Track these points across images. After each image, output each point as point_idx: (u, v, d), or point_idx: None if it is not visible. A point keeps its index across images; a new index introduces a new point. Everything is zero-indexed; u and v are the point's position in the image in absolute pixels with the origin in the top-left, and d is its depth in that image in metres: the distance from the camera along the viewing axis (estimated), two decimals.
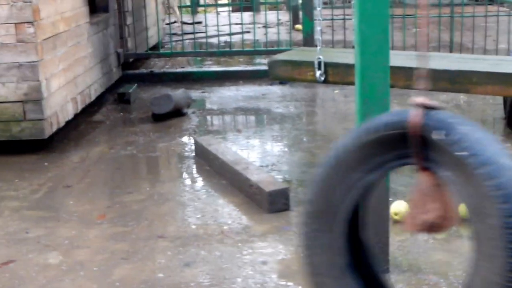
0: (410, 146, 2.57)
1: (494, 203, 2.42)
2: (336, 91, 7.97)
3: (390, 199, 3.82)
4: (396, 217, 4.30)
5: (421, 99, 2.54)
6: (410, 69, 4.91)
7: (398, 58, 5.11)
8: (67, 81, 6.36)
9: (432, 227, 2.62)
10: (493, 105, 7.09)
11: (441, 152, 2.53)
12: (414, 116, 2.51)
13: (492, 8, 12.11)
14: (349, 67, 4.68)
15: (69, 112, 6.39)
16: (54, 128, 5.97)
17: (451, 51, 8.92)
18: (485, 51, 8.92)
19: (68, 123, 6.34)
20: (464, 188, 2.51)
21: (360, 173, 2.68)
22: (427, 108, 2.54)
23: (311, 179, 2.80)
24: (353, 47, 3.70)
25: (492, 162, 2.45)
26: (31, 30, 5.67)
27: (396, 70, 4.73)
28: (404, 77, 4.88)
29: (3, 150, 5.81)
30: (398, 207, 4.32)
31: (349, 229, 2.79)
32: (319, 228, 2.80)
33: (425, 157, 2.57)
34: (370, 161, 2.67)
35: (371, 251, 2.96)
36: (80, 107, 6.72)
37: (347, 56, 5.14)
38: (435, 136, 2.50)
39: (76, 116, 6.62)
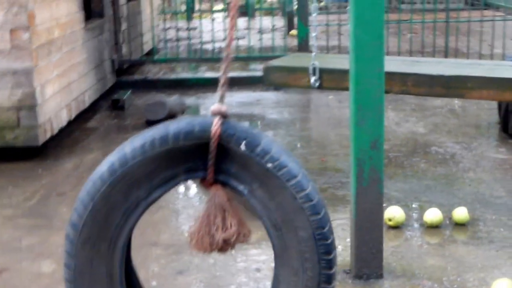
0: (201, 158, 2.42)
1: (306, 215, 2.38)
2: (330, 97, 7.96)
3: (384, 204, 3.80)
4: (390, 223, 4.29)
5: (217, 107, 2.42)
6: (405, 74, 4.90)
7: (393, 64, 5.10)
8: (61, 88, 6.34)
9: (227, 245, 2.47)
10: (488, 110, 7.07)
11: (241, 164, 2.41)
12: (215, 125, 2.38)
13: (488, 13, 12.10)
14: (344, 72, 4.66)
15: (63, 118, 6.37)
16: (48, 135, 5.94)
17: (446, 56, 8.92)
18: (480, 56, 8.91)
19: (62, 130, 6.31)
20: (265, 203, 2.43)
21: (145, 190, 2.47)
22: (224, 116, 2.42)
23: (77, 198, 2.50)
24: (348, 53, 3.69)
25: (298, 173, 2.40)
26: (26, 36, 5.65)
27: (391, 75, 4.72)
28: (399, 82, 4.88)
29: None
30: (392, 212, 4.31)
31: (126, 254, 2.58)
32: (92, 258, 2.51)
33: (218, 170, 2.44)
34: (157, 176, 2.46)
35: (138, 276, 2.84)
36: (74, 113, 6.69)
37: (342, 62, 5.13)
38: (242, 146, 2.38)
39: (70, 122, 6.60)
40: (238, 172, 2.44)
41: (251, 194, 2.44)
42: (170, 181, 2.48)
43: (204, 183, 2.49)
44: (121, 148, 2.47)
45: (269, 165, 2.38)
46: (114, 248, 2.50)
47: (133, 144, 2.45)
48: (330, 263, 2.48)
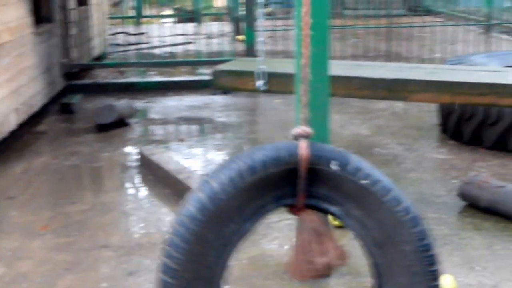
0: (289, 184, 2.31)
1: (407, 228, 2.31)
2: (277, 100, 7.97)
3: None
4: (335, 222, 4.29)
5: (302, 129, 2.31)
6: (349, 78, 4.92)
7: (337, 68, 5.11)
8: (10, 91, 6.25)
9: (327, 269, 2.36)
10: (429, 112, 7.14)
11: (334, 185, 2.32)
12: (302, 148, 2.28)
13: (428, 19, 12.26)
14: (290, 76, 4.66)
15: (12, 122, 6.28)
16: None
17: (388, 61, 8.99)
18: (421, 60, 9.01)
19: (11, 133, 6.22)
20: (362, 221, 2.35)
21: (237, 223, 2.34)
22: (306, 137, 2.31)
23: (168, 243, 2.37)
24: (294, 57, 3.68)
25: (392, 187, 2.33)
26: None
27: (336, 79, 4.72)
28: (343, 86, 4.90)
29: None
30: None
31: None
32: None
33: (308, 194, 2.34)
34: (247, 208, 2.33)
35: None
36: (23, 117, 6.61)
37: (288, 66, 5.11)
38: (334, 166, 2.29)
39: (20, 126, 6.51)
40: (329, 193, 2.34)
41: (346, 214, 2.35)
42: (260, 212, 2.38)
43: (293, 210, 2.38)
44: (207, 184, 2.32)
45: (364, 181, 2.29)
46: (211, 287, 2.38)
47: (220, 178, 2.29)
48: (435, 275, 2.41)
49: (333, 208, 2.35)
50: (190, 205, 2.31)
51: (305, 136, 2.29)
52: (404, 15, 12.55)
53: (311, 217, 2.34)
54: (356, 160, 2.33)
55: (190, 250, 2.30)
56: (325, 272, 2.36)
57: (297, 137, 2.30)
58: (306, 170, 2.27)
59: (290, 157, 2.28)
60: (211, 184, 2.29)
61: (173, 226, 2.34)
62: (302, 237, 2.34)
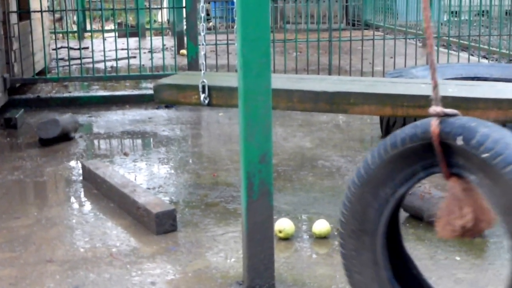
0: (434, 155, 2.60)
1: None
2: (220, 114, 7.99)
3: (274, 217, 3.83)
4: (280, 235, 4.32)
5: (433, 109, 2.58)
6: (291, 91, 4.97)
7: (279, 81, 5.16)
8: None
9: (467, 231, 2.61)
10: (371, 124, 7.23)
11: (465, 157, 2.54)
12: (433, 125, 2.55)
13: (368, 33, 12.39)
14: (233, 90, 4.71)
15: None
16: None
17: (330, 74, 9.08)
18: (362, 73, 9.11)
19: None
20: (492, 190, 2.49)
21: (391, 188, 2.72)
22: (445, 115, 2.57)
23: (342, 202, 2.85)
24: (236, 70, 3.72)
25: None
26: None
27: (278, 92, 4.78)
28: (285, 99, 4.94)
29: None
30: (282, 224, 4.34)
31: (387, 242, 2.84)
32: (357, 247, 2.85)
33: (450, 164, 2.60)
34: (398, 175, 2.71)
35: (412, 261, 3.01)
36: None
37: (231, 80, 5.16)
38: (458, 142, 2.51)
39: None
40: (465, 164, 2.55)
41: (480, 183, 2.51)
42: (411, 179, 2.71)
43: (444, 177, 2.64)
44: (364, 159, 2.80)
45: (485, 155, 2.44)
46: (375, 239, 2.81)
47: (372, 153, 2.76)
48: None
49: (471, 177, 2.55)
50: (354, 173, 2.83)
51: (437, 115, 2.56)
52: (344, 29, 12.68)
53: (454, 183, 2.60)
54: (483, 133, 2.48)
55: (352, 207, 2.81)
56: (467, 233, 2.61)
57: (431, 115, 2.59)
58: (438, 144, 2.56)
59: (424, 134, 2.59)
60: (367, 157, 2.77)
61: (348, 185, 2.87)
62: (447, 202, 2.63)
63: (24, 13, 9.24)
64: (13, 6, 8.83)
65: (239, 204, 4.74)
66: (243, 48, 3.49)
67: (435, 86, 2.64)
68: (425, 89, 4.89)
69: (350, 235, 2.86)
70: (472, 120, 2.55)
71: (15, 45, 8.75)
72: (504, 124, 5.40)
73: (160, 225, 4.46)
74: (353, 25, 15.17)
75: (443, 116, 2.57)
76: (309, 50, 9.40)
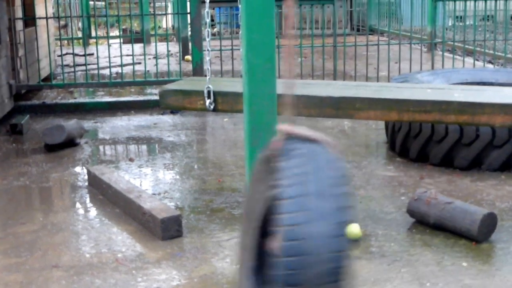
0: None
1: None
2: (225, 119, 7.99)
3: None
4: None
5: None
6: (297, 96, 4.96)
7: None
8: None
9: None
10: (376, 130, 7.22)
11: None
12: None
13: (373, 38, 12.39)
14: (238, 95, 4.70)
15: None
16: None
17: (335, 79, 9.07)
18: (367, 79, 9.10)
19: None
20: None
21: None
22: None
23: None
24: (241, 76, 3.71)
25: None
26: None
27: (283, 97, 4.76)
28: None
29: None
30: None
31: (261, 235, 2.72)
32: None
33: None
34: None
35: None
36: None
37: (235, 85, 5.16)
38: None
39: None
40: None
41: None
42: None
43: None
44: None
45: None
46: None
47: None
48: None
49: None
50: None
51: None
52: (349, 34, 12.67)
53: None
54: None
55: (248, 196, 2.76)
56: None
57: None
58: None
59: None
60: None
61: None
62: None
63: (30, 20, 9.25)
64: (19, 13, 8.85)
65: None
66: (248, 53, 3.50)
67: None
68: (430, 94, 4.88)
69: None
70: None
71: (21, 52, 8.76)
72: (510, 129, 5.39)
73: (165, 230, 4.46)
74: (358, 30, 15.17)
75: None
76: (314, 56, 9.40)
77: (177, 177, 5.92)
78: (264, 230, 2.72)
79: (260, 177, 2.61)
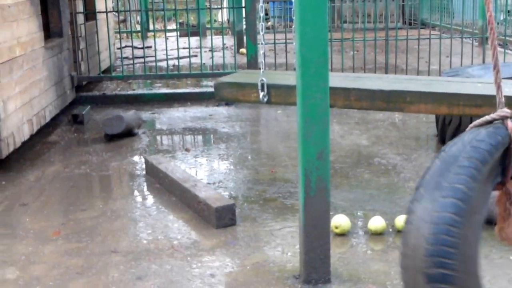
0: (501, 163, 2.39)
1: None
2: (278, 111, 8.01)
3: (331, 213, 3.84)
4: (336, 230, 4.33)
5: (505, 112, 2.41)
6: (348, 89, 4.96)
7: (337, 79, 5.15)
8: (23, 103, 6.29)
9: None
10: (426, 123, 7.18)
11: None
12: (510, 128, 2.37)
13: (425, 32, 12.30)
14: (291, 88, 4.71)
15: (25, 133, 6.32)
16: (11, 149, 5.89)
17: (386, 72, 9.03)
18: (418, 72, 9.04)
19: (24, 143, 6.26)
20: None
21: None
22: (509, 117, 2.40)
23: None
24: (294, 69, 3.72)
25: None
26: None
27: (335, 90, 4.77)
28: (343, 97, 4.93)
29: None
30: (338, 220, 4.34)
31: None
32: None
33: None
34: (489, 193, 2.40)
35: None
36: (35, 128, 6.65)
37: (289, 78, 5.17)
38: None
39: (32, 136, 6.55)
40: None
41: None
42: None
43: (499, 187, 2.48)
44: (455, 189, 2.35)
45: None
46: None
47: (463, 180, 2.30)
48: None
49: None
50: (451, 209, 2.35)
51: (504, 117, 2.40)
52: (401, 28, 12.58)
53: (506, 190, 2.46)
54: None
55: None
56: None
57: (501, 118, 2.40)
58: None
59: (504, 139, 2.36)
60: (459, 187, 2.30)
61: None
62: (500, 209, 2.51)
63: (90, 14, 9.37)
64: (80, 7, 8.96)
65: (296, 199, 4.76)
66: (301, 47, 3.50)
67: (498, 88, 2.50)
68: (481, 89, 4.84)
69: None
70: None
71: (82, 45, 8.89)
72: None
73: (219, 219, 4.50)
74: (410, 24, 15.06)
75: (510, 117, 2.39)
76: (366, 49, 9.36)
77: (231, 167, 5.96)
78: None
79: (477, 203, 2.35)
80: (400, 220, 4.36)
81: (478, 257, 2.35)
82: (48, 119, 7.16)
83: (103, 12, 9.47)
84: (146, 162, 5.74)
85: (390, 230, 4.40)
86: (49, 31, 7.88)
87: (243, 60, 10.43)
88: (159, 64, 10.54)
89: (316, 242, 3.65)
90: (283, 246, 4.19)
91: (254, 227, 4.50)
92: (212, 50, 9.32)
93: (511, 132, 2.37)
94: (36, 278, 3.86)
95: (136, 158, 6.25)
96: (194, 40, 13.39)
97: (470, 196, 2.25)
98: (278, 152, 6.31)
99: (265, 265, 3.93)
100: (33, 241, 4.38)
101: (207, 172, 5.83)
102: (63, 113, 7.89)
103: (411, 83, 5.15)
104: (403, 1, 16.33)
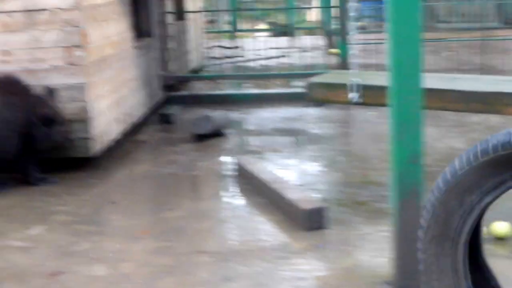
0: None
1: None
2: (370, 113, 7.95)
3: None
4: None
5: None
6: (443, 91, 4.89)
7: (431, 81, 5.09)
8: (112, 102, 6.41)
9: None
10: None
11: None
12: None
13: None
14: (383, 89, 4.67)
15: (114, 131, 6.43)
16: (100, 147, 6.00)
17: (482, 74, 8.88)
18: None
19: (114, 142, 6.38)
20: None
21: (477, 195, 2.59)
22: None
23: (424, 206, 2.73)
24: (385, 70, 3.69)
25: None
26: (79, 53, 5.73)
27: (430, 92, 4.71)
28: (437, 99, 4.86)
29: (52, 167, 5.84)
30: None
31: (468, 251, 2.72)
32: (438, 253, 2.74)
33: None
34: (486, 183, 2.57)
35: (492, 272, 2.86)
36: (124, 127, 6.76)
37: (380, 79, 5.13)
38: None
39: (121, 135, 6.67)
40: None
41: None
42: (500, 187, 2.58)
43: None
44: (452, 162, 2.67)
45: None
46: (456, 246, 2.68)
47: (460, 158, 2.63)
48: None
49: None
50: (439, 178, 2.68)
51: None
52: (497, 28, 12.36)
53: None
54: None
55: (435, 212, 2.67)
56: None
57: None
58: None
59: None
60: (454, 161, 2.63)
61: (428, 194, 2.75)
62: None
63: (180, 13, 9.48)
64: (169, 7, 9.08)
65: (388, 203, 4.72)
66: (395, 47, 3.48)
67: None
68: None
69: (431, 240, 2.72)
70: None
71: (171, 44, 9.00)
72: None
73: (309, 221, 4.49)
74: (509, 23, 14.77)
75: None
76: (462, 50, 9.22)
77: (321, 169, 5.95)
78: (473, 243, 2.73)
79: (467, 185, 2.61)
80: (499, 226, 4.25)
81: (465, 227, 2.62)
82: (137, 118, 7.28)
83: (192, 12, 9.58)
84: (235, 162, 5.78)
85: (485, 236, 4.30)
86: (139, 30, 8.01)
87: (333, 60, 10.40)
88: (248, 64, 10.60)
89: (410, 247, 3.60)
90: (375, 250, 4.15)
91: (345, 231, 4.48)
92: (302, 50, 9.33)
93: None
94: (126, 275, 3.92)
95: (224, 158, 6.29)
96: (284, 40, 13.41)
97: (458, 174, 2.58)
98: (369, 154, 6.27)
99: (356, 270, 3.90)
100: (122, 239, 4.46)
101: (296, 173, 5.82)
102: (151, 112, 8.00)
103: (509, 84, 5.05)
104: (500, 0, 16.03)
